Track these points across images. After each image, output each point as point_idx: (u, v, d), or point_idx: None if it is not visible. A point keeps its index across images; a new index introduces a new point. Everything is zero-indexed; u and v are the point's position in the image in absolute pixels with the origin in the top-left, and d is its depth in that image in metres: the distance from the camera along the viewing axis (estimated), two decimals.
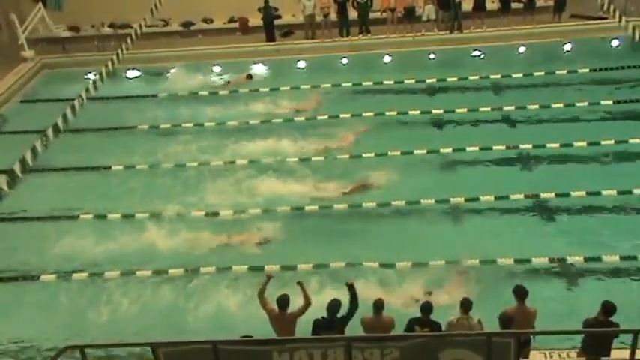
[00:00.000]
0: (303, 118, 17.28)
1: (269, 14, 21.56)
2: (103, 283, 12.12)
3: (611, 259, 11.45)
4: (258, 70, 20.77)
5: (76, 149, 16.60)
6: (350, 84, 18.97)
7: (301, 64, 20.81)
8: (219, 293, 11.46)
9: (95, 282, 12.17)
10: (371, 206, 13.48)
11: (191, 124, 17.44)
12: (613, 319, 8.32)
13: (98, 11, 22.44)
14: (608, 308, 8.29)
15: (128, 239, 13.01)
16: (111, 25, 22.94)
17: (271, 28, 21.75)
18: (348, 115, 17.04)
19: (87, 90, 18.11)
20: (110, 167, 15.75)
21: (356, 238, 12.75)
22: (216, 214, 13.69)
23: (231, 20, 23.11)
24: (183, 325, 10.84)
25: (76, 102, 17.45)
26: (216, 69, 20.80)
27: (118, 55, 19.30)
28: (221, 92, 19.24)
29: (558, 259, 11.58)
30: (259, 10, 21.58)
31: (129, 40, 19.78)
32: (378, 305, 8.99)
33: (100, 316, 11.28)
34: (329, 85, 18.97)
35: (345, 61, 20.68)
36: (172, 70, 20.84)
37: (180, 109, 18.44)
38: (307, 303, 9.21)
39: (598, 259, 11.49)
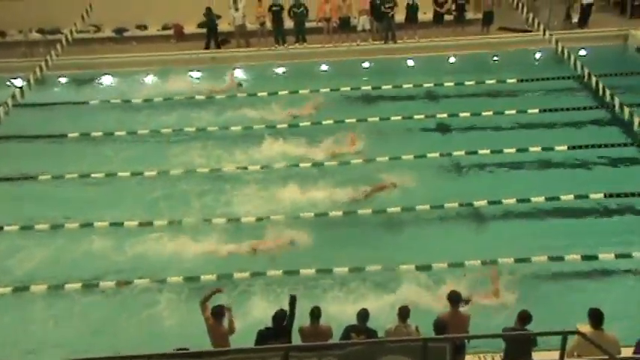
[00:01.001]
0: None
1: (212, 20, 21.37)
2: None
3: (541, 259, 11.83)
4: (196, 77, 20.57)
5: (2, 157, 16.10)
6: (286, 92, 19.02)
7: (238, 72, 20.70)
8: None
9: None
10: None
11: (124, 132, 17.11)
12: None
13: (26, 16, 21.57)
14: (524, 317, 8.45)
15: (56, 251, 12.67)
16: (40, 31, 22.19)
17: (213, 34, 21.57)
18: (285, 126, 17.10)
19: (13, 97, 17.49)
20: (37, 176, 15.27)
21: None
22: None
23: (165, 27, 22.77)
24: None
25: (0, 109, 16.87)
26: (149, 78, 20.51)
27: (47, 61, 18.70)
28: (156, 99, 18.93)
29: (491, 262, 11.86)
30: (204, 14, 21.33)
31: (59, 46, 19.21)
32: (315, 314, 8.99)
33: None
34: (265, 93, 18.97)
35: (281, 69, 20.72)
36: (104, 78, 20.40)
37: (112, 117, 18.13)
38: (232, 331, 9.13)
39: (528, 260, 11.85)
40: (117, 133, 17.10)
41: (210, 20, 21.34)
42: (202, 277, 11.83)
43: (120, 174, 15.26)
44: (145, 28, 22.83)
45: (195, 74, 20.65)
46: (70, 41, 19.59)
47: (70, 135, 17.04)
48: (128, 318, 11.11)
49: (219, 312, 9.05)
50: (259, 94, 18.93)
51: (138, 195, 14.67)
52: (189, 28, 22.51)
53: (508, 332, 8.49)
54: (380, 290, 11.28)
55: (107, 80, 20.73)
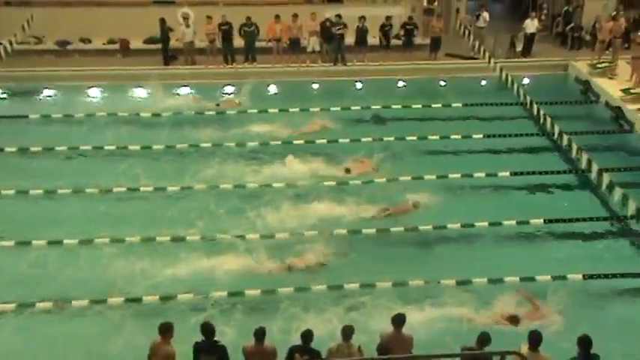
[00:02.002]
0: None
1: (165, 32, 21.12)
2: None
3: (481, 280, 12.02)
4: (142, 94, 20.23)
5: None
6: (234, 112, 18.87)
7: (184, 90, 20.44)
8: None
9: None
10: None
11: (65, 147, 16.63)
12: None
13: None
14: (483, 339, 8.63)
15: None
16: None
17: (166, 48, 21.32)
18: (232, 144, 16.93)
19: None
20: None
21: None
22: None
23: (111, 41, 22.35)
24: None
25: None
26: (93, 92, 20.09)
27: None
28: (99, 114, 18.50)
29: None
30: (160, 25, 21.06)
31: None
32: (259, 334, 8.84)
33: None
34: (212, 112, 18.77)
35: (229, 88, 20.57)
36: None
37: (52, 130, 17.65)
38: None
39: (469, 282, 12.01)
40: (57, 148, 16.58)
41: (163, 32, 21.06)
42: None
43: (60, 191, 14.77)
44: (89, 41, 22.33)
45: (141, 90, 20.31)
46: (9, 53, 18.96)
47: (7, 149, 16.44)
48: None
49: (164, 330, 8.79)
50: (207, 113, 18.74)
51: (78, 212, 14.22)
52: (136, 44, 22.15)
53: (463, 352, 8.54)
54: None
55: (48, 94, 20.14)
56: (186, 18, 20.78)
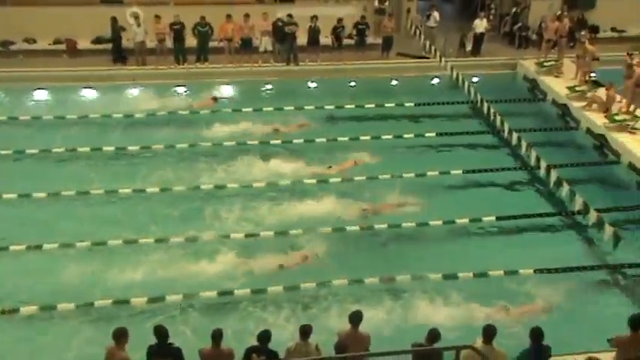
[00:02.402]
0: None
1: (116, 30, 20.66)
2: None
3: (436, 277, 12.14)
4: (91, 95, 19.78)
5: None
6: (187, 112, 18.64)
7: (135, 91, 20.09)
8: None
9: None
10: None
11: (10, 151, 16.16)
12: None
13: None
14: (433, 335, 8.70)
15: None
16: None
17: (118, 47, 20.90)
18: (185, 145, 16.72)
19: None
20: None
21: None
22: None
23: (57, 41, 21.77)
24: None
25: None
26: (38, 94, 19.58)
27: None
28: (45, 117, 18.02)
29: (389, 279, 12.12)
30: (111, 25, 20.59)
31: None
32: (216, 335, 8.76)
33: None
34: (165, 112, 18.51)
35: (180, 89, 20.29)
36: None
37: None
38: None
39: (424, 277, 12.13)
40: (2, 152, 16.08)
41: (115, 31, 20.63)
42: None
43: (6, 195, 14.33)
44: (34, 41, 21.67)
45: (90, 91, 19.87)
46: None
47: None
48: None
49: (118, 335, 8.61)
50: (158, 114, 18.46)
51: (26, 217, 13.82)
52: (83, 44, 21.64)
53: (415, 348, 8.62)
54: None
55: None
56: (136, 17, 20.41)
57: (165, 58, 20.94)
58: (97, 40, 21.62)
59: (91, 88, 19.92)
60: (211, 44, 21.05)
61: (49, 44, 21.73)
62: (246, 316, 11.25)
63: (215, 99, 19.47)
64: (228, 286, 11.87)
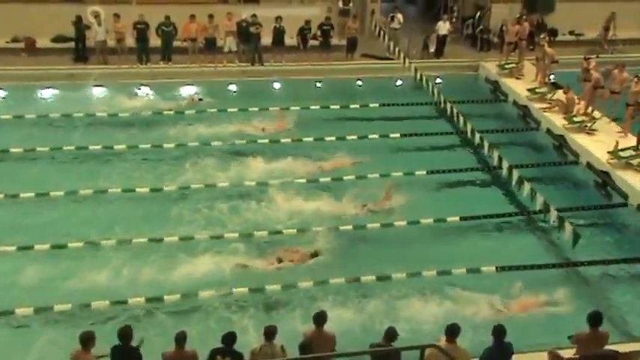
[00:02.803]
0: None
1: (80, 29, 20.27)
2: None
3: (400, 276, 12.26)
4: (52, 94, 19.38)
5: None
6: (150, 112, 18.41)
7: (97, 90, 19.77)
8: None
9: None
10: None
11: None
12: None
13: None
14: (390, 334, 8.74)
15: None
16: None
17: (82, 46, 20.49)
18: (148, 146, 16.53)
19: None
20: None
21: None
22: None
23: (15, 40, 21.25)
24: None
25: None
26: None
27: None
28: (3, 117, 17.61)
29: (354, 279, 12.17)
30: (73, 23, 20.13)
31: None
32: (179, 338, 8.67)
33: None
34: (127, 114, 18.26)
35: (144, 89, 20.03)
36: None
37: None
38: None
39: (389, 278, 12.22)
40: None
41: (78, 30, 20.24)
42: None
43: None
44: None
45: (51, 91, 19.49)
46: None
47: None
48: None
49: (86, 339, 8.48)
50: (121, 115, 18.22)
51: None
52: (43, 42, 21.19)
53: (374, 349, 8.64)
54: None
55: None
56: (96, 16, 20.07)
57: (127, 58, 20.65)
58: (58, 39, 21.20)
59: (51, 87, 19.52)
60: (175, 44, 20.84)
61: (7, 42, 21.22)
62: (210, 318, 11.15)
63: (200, 99, 19.41)
64: (193, 288, 11.75)
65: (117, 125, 17.73)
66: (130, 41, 20.50)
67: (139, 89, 19.93)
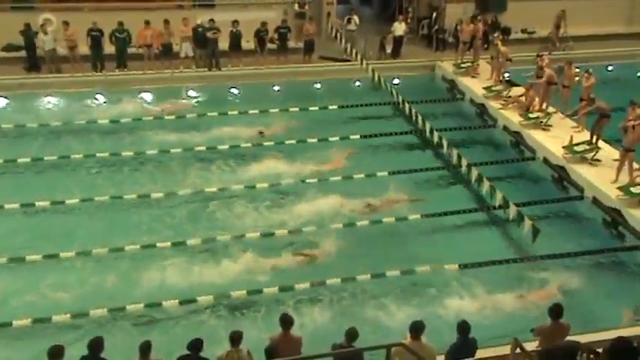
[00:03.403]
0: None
1: (30, 38, 19.77)
2: None
3: (364, 277, 12.30)
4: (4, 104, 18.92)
5: None
6: (106, 121, 18.11)
7: (51, 99, 19.36)
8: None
9: None
10: None
11: None
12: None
13: None
14: (351, 335, 8.70)
15: None
16: None
17: (33, 54, 20.01)
18: (105, 154, 16.29)
19: None
20: None
21: None
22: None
23: None
24: None
25: None
26: None
27: None
28: None
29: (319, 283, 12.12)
30: (21, 32, 19.62)
31: None
32: (144, 348, 8.55)
33: None
34: (82, 122, 17.93)
35: (100, 97, 19.68)
36: None
37: None
38: None
39: (353, 279, 12.22)
40: None
41: (28, 38, 19.74)
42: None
43: None
44: None
45: (2, 101, 19.02)
46: None
47: None
48: None
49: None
50: (76, 122, 17.89)
51: None
52: None
53: (336, 350, 8.66)
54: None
55: None
56: (42, 25, 19.59)
57: (81, 66, 20.26)
58: (8, 48, 20.69)
59: (2, 97, 19.03)
60: (131, 51, 20.53)
61: None
62: (176, 326, 11.07)
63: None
64: (158, 297, 11.59)
65: (73, 134, 17.38)
66: (84, 49, 20.11)
67: (95, 97, 19.58)
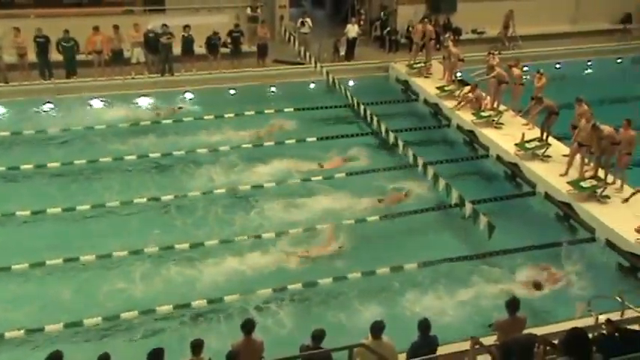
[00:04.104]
0: None
1: None
2: None
3: (326, 282, 12.32)
4: None
5: None
6: (57, 129, 17.69)
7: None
8: None
9: None
10: None
11: None
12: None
13: None
14: (316, 336, 8.72)
15: None
16: None
17: None
18: (57, 164, 15.95)
19: None
20: None
21: None
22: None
23: None
24: None
25: None
26: None
27: None
28: None
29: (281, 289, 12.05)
30: None
31: None
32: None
33: None
34: (32, 131, 17.50)
35: (48, 105, 19.22)
36: None
37: None
38: None
39: (314, 285, 12.26)
40: None
41: None
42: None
43: None
44: None
45: None
46: None
47: None
48: None
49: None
50: (25, 132, 17.45)
51: None
52: None
53: (304, 352, 8.65)
54: None
55: None
56: None
57: (29, 74, 19.76)
58: None
59: None
60: (80, 57, 20.10)
61: None
62: (136, 336, 10.94)
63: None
64: (117, 308, 11.42)
65: (22, 144, 16.99)
66: (32, 56, 19.62)
67: (42, 107, 19.14)
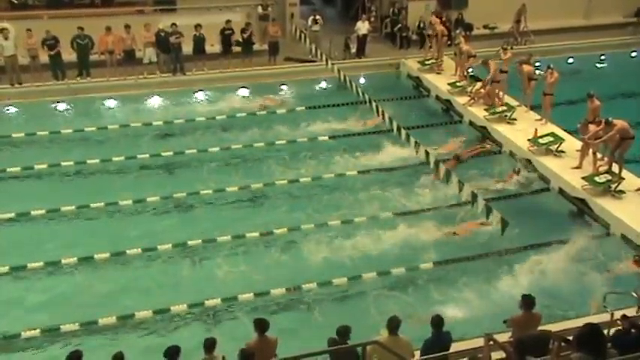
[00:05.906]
0: None
1: None
2: None
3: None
4: None
5: None
6: (70, 130, 17.80)
7: (11, 110, 18.98)
8: None
9: None
10: None
11: None
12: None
13: None
14: (341, 331, 8.73)
15: None
16: None
17: None
18: (70, 163, 16.08)
19: None
20: None
21: None
22: None
23: None
24: None
25: None
26: None
27: None
28: None
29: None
30: None
31: None
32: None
33: None
34: (46, 132, 17.62)
35: (62, 106, 19.36)
36: None
37: None
38: None
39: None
40: None
41: None
42: None
43: None
44: None
45: None
46: None
47: None
48: None
49: None
50: (39, 133, 17.57)
51: None
52: None
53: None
54: None
55: None
56: (2, 30, 19.12)
57: (41, 75, 19.87)
58: None
59: None
60: (93, 58, 20.19)
61: None
62: (150, 334, 10.98)
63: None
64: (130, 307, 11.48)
65: (36, 145, 17.12)
66: (44, 57, 19.74)
67: (57, 107, 19.27)
